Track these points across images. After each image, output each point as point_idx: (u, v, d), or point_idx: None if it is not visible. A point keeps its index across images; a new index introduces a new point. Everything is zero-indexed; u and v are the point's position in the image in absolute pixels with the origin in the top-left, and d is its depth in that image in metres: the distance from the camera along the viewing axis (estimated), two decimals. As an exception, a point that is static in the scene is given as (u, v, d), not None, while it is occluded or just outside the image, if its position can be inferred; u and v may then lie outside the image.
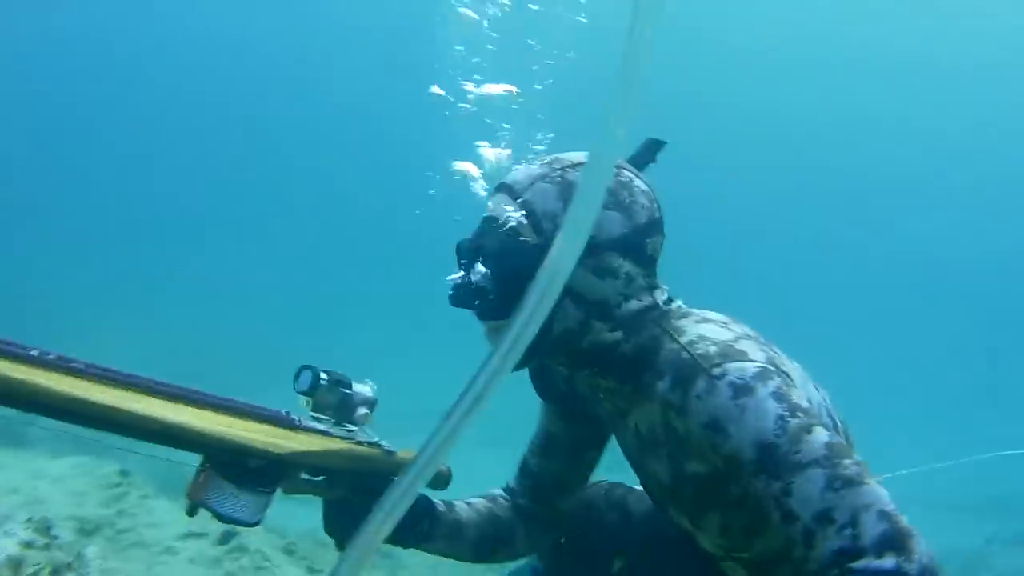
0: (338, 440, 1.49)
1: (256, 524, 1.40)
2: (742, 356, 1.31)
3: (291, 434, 1.42)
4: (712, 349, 1.32)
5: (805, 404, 1.29)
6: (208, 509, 1.34)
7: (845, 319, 19.60)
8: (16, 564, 2.31)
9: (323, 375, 1.51)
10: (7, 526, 2.54)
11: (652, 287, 1.44)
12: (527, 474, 1.77)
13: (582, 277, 1.38)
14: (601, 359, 1.45)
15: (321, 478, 1.52)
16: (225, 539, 3.52)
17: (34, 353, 1.14)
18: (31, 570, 2.32)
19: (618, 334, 1.42)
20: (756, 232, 21.97)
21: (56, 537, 2.62)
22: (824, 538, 1.18)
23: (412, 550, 1.67)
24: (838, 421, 1.47)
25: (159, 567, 3.10)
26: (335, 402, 1.52)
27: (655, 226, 1.44)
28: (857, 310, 20.63)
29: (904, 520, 1.19)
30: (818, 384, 1.49)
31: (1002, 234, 22.68)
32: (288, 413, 1.44)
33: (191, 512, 1.33)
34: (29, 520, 2.61)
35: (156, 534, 3.43)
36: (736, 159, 21.46)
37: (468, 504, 1.75)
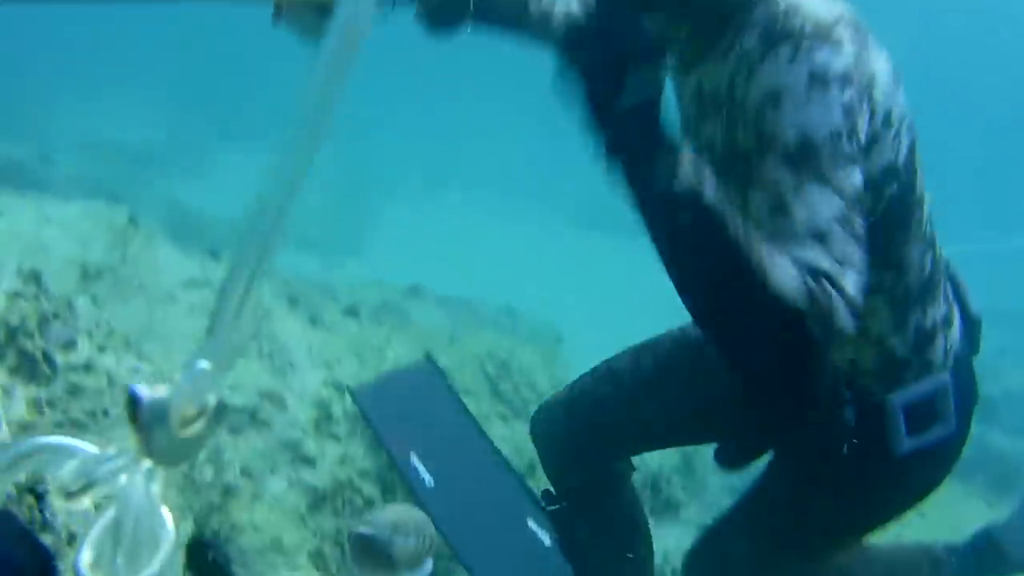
0: None
1: None
2: (836, 47, 1.24)
3: None
4: (808, 27, 1.26)
5: (865, 134, 1.24)
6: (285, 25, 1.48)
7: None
8: (1, 314, 2.33)
9: None
10: (-5, 274, 2.56)
11: None
12: None
13: None
14: (685, 2, 1.37)
15: None
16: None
17: None
18: (16, 320, 2.34)
19: None
20: None
21: (45, 287, 2.64)
22: (812, 249, 1.12)
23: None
24: (912, 138, 1.41)
25: (157, 315, 3.16)
26: None
27: None
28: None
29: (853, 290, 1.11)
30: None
31: None
32: None
33: (274, 21, 1.46)
34: (19, 269, 2.62)
35: (158, 281, 3.48)
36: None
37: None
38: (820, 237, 1.12)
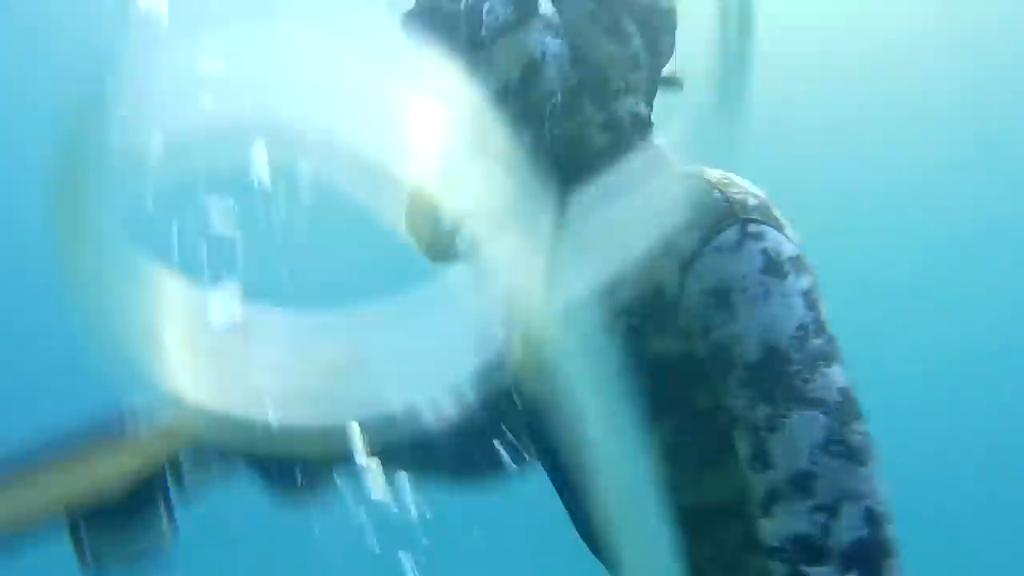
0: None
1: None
2: (781, 228, 0.99)
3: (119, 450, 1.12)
4: (752, 201, 1.00)
5: (829, 326, 1.01)
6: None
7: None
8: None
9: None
10: None
11: (650, 96, 1.12)
12: None
13: (591, 31, 1.05)
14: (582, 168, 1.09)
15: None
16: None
17: None
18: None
19: (607, 136, 1.08)
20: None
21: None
22: (789, 511, 0.92)
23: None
24: None
25: None
26: None
27: (672, 20, 1.12)
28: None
29: (891, 530, 0.93)
30: None
31: None
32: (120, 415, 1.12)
33: None
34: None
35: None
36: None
37: None
38: (804, 489, 0.92)
